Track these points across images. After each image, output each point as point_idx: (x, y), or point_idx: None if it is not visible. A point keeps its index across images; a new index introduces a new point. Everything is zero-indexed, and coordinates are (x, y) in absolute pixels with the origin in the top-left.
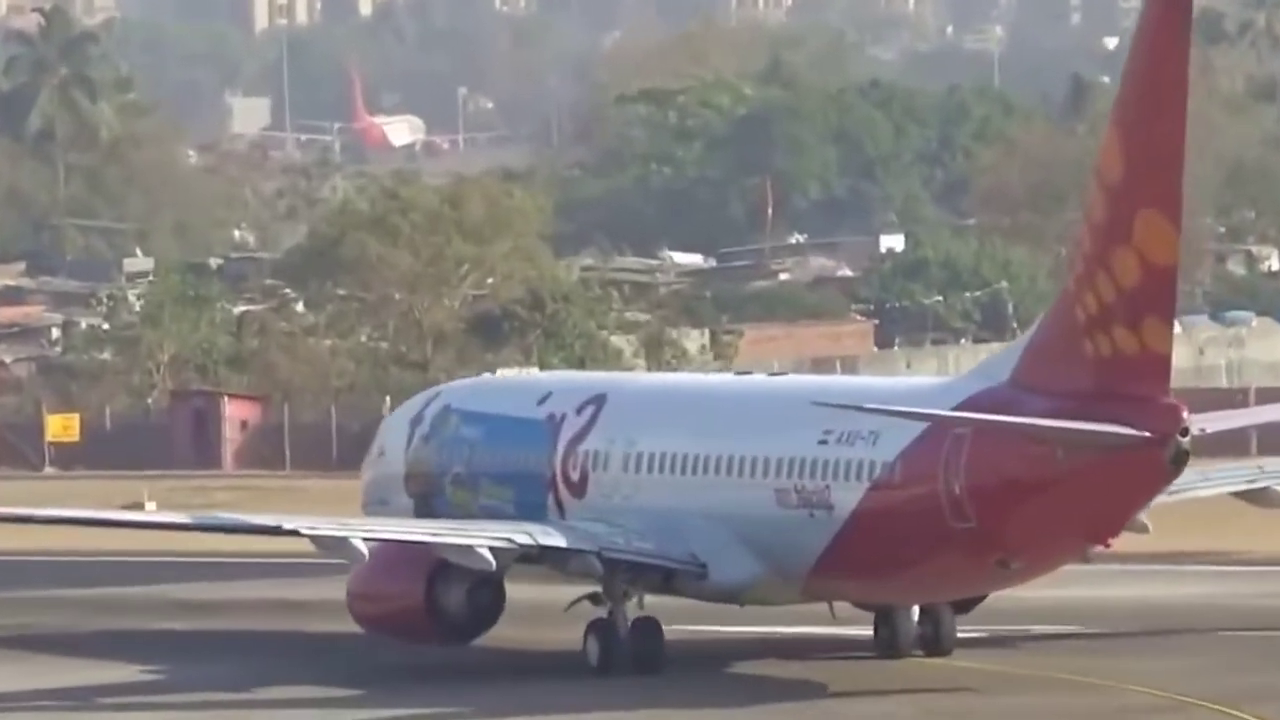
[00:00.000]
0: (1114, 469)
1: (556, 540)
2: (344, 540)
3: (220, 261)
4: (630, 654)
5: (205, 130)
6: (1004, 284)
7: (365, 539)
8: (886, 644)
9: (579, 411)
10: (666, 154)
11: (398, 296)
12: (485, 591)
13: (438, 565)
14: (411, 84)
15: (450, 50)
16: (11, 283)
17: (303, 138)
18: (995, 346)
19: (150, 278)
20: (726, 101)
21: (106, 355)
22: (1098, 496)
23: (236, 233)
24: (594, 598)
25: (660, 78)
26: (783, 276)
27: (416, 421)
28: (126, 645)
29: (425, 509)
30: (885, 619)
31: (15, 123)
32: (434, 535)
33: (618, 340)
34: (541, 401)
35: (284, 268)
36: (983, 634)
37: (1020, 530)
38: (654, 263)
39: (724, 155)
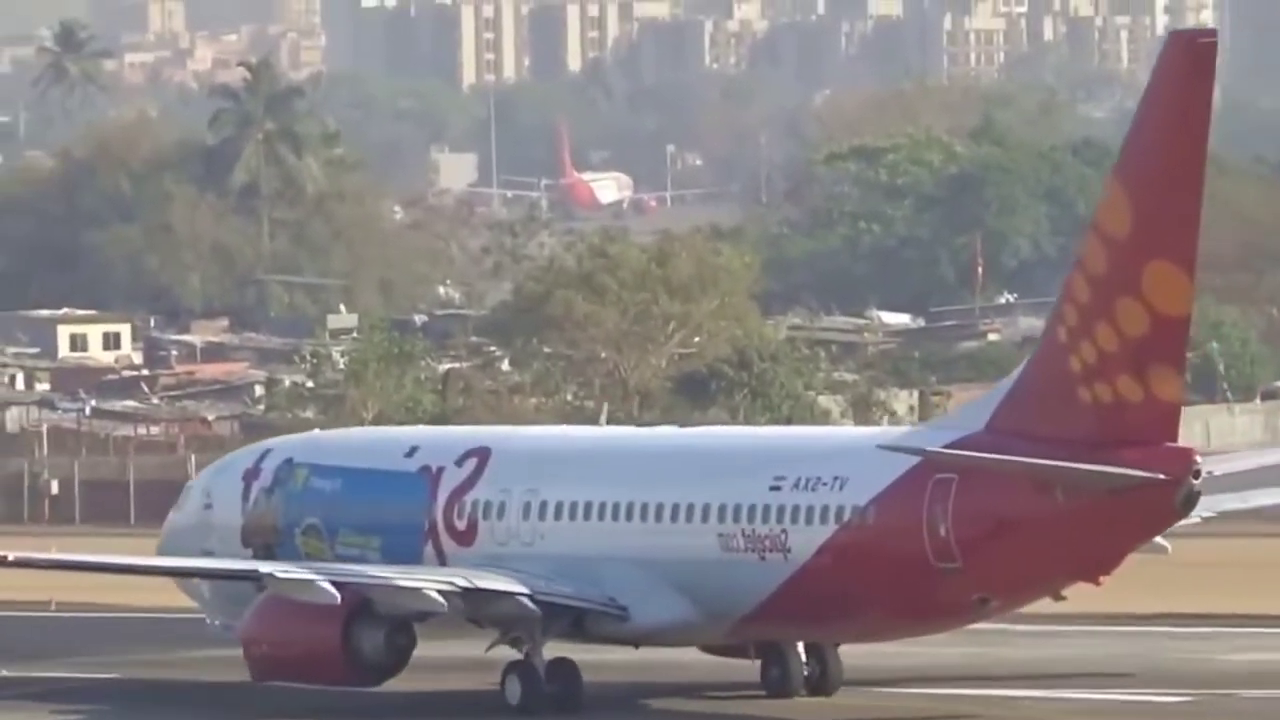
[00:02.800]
0: (1119, 510)
1: (490, 583)
2: (310, 583)
3: (425, 318)
4: (549, 694)
5: (411, 186)
6: (1214, 345)
7: (333, 582)
8: (776, 683)
9: (459, 464)
10: (876, 212)
11: (604, 355)
12: (404, 634)
13: (355, 607)
14: (620, 141)
15: (659, 107)
16: (215, 339)
17: (509, 194)
18: (1205, 409)
19: (354, 334)
20: (937, 159)
21: (310, 414)
22: (1096, 538)
23: (441, 289)
24: (514, 640)
25: (870, 135)
26: (992, 337)
27: (252, 475)
28: None
29: (268, 558)
30: (777, 658)
31: (220, 177)
32: (386, 578)
33: (825, 400)
34: (409, 454)
35: (489, 325)
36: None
37: (1007, 570)
38: (862, 322)
39: (934, 213)
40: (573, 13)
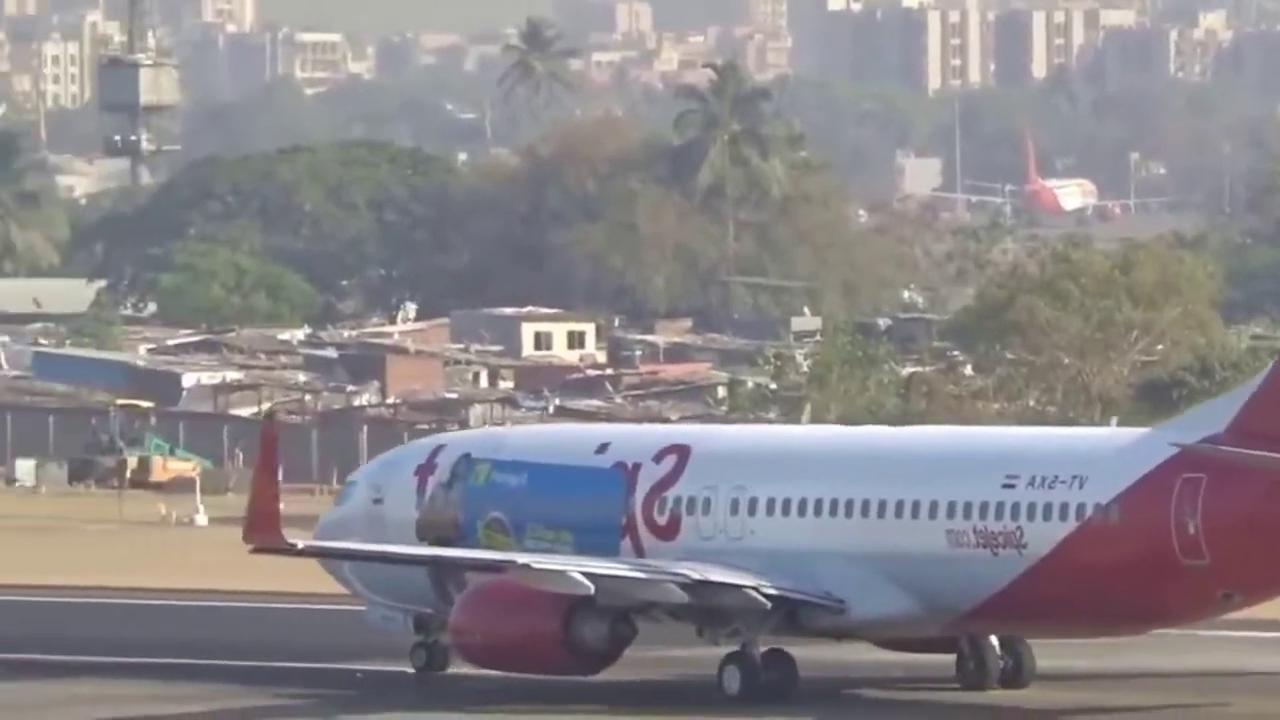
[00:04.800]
0: None
1: (720, 576)
2: (562, 574)
3: (888, 322)
4: (766, 684)
5: (875, 190)
6: None
7: (584, 573)
8: (973, 676)
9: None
10: None
11: (1066, 361)
12: (627, 624)
13: (576, 598)
14: (1084, 148)
15: (1123, 115)
16: (679, 339)
17: (973, 199)
18: None
19: (818, 337)
20: None
21: (772, 415)
22: None
23: (905, 293)
24: (733, 633)
25: None
26: None
27: (426, 470)
28: None
29: None
30: (973, 652)
31: (686, 178)
32: (630, 571)
33: None
34: (600, 450)
35: (952, 329)
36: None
37: (1254, 568)
38: None
39: None
40: (1038, 20)
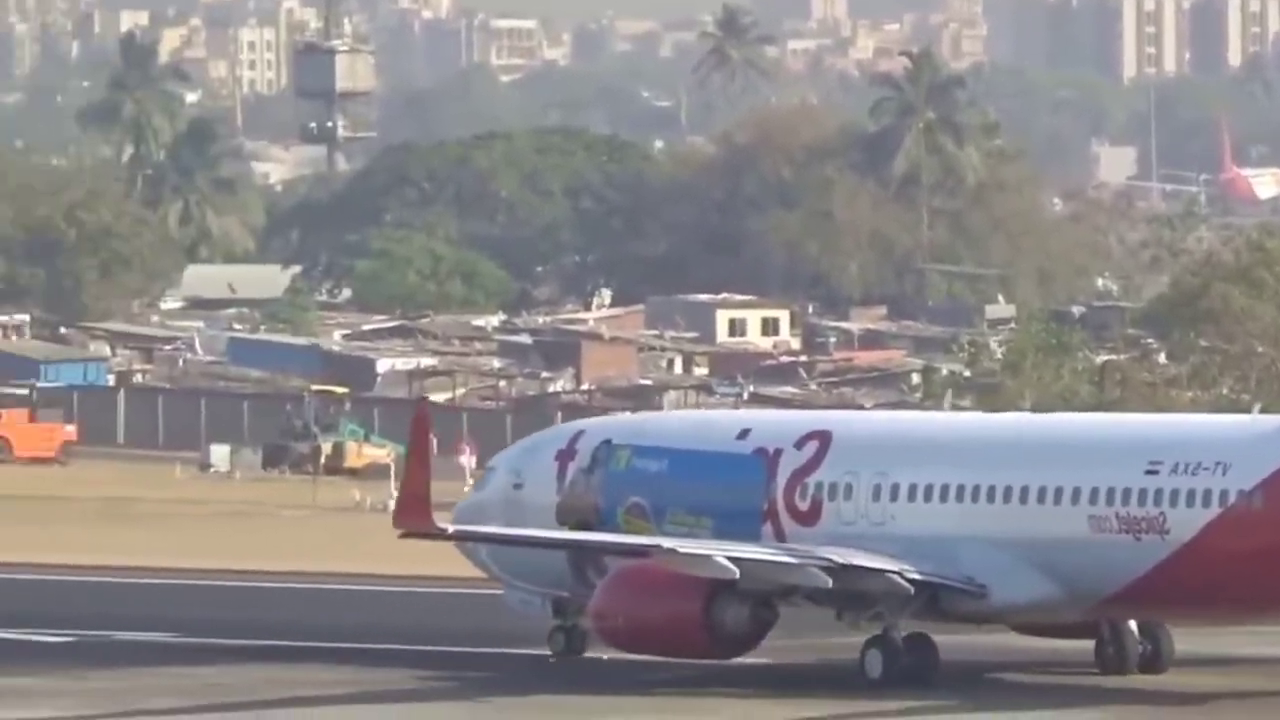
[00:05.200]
0: None
1: (864, 561)
2: (707, 558)
3: (1083, 310)
4: (909, 668)
5: (1071, 178)
6: None
7: (729, 558)
8: (1112, 661)
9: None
10: None
11: (1260, 349)
12: (768, 608)
13: (719, 583)
14: (1278, 137)
15: None
16: (873, 326)
17: (1168, 188)
18: None
19: (1012, 324)
20: None
21: (966, 403)
22: None
23: (1100, 281)
24: (875, 617)
25: None
26: None
27: (566, 455)
28: None
29: None
30: (1113, 637)
31: (880, 165)
32: (775, 555)
33: None
34: (741, 436)
35: (1146, 317)
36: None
37: None
38: None
39: None
40: (1233, 7)
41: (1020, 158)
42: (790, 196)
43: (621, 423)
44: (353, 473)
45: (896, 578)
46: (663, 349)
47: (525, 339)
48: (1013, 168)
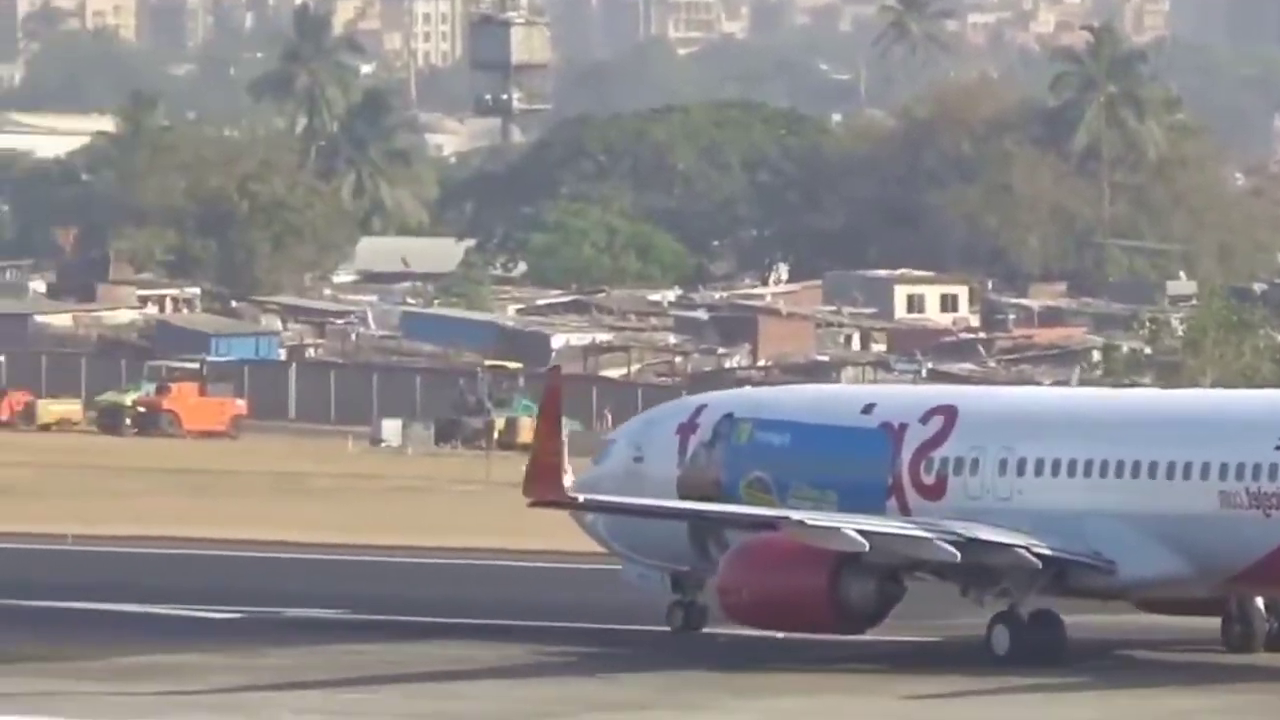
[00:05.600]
0: None
1: (991, 535)
2: (836, 531)
3: (1265, 286)
4: (1036, 644)
5: (1252, 153)
6: None
7: (859, 531)
8: (1239, 639)
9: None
10: None
11: None
12: (895, 583)
13: (845, 557)
14: None
15: None
16: (1053, 303)
17: None
18: None
19: (1194, 301)
20: None
21: (1147, 380)
22: None
23: None
24: (1002, 593)
25: None
26: None
27: (688, 429)
28: None
29: None
30: (1240, 615)
31: (1061, 140)
32: (903, 529)
33: None
34: (866, 411)
35: None
36: None
37: None
38: None
39: None
40: None
41: (1202, 133)
42: (969, 170)
43: (743, 396)
44: (526, 448)
45: (1024, 552)
46: (840, 325)
47: (701, 314)
48: (1194, 143)
